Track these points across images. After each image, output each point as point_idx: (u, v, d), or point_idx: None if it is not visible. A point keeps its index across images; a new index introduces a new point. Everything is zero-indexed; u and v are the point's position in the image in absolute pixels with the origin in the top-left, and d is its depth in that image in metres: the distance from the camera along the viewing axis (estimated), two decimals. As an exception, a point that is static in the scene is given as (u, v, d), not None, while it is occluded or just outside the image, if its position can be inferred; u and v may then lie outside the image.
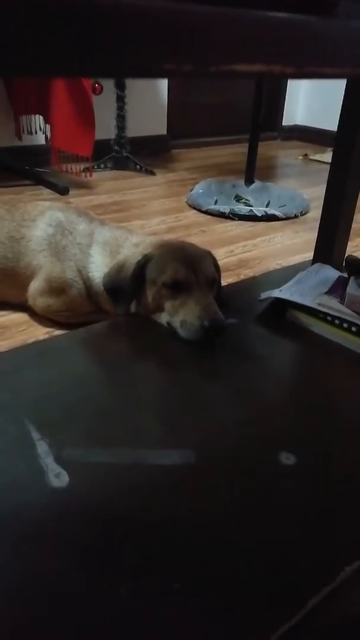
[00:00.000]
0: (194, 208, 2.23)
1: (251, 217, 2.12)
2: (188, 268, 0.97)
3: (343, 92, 1.11)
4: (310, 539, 0.57)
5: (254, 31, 0.24)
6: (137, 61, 0.21)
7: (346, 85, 1.11)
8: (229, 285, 1.26)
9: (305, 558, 0.54)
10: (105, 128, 2.69)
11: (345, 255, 1.24)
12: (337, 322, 0.97)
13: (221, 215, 2.14)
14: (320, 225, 1.25)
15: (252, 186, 2.37)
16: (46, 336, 1.19)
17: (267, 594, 0.51)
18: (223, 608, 0.49)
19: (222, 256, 1.71)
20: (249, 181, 2.37)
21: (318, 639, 0.49)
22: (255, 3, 0.23)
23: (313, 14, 0.25)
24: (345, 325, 0.96)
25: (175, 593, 0.50)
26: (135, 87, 2.91)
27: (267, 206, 2.19)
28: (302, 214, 2.20)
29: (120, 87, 2.76)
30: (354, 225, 1.26)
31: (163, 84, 3.23)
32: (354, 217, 1.24)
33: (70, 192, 2.33)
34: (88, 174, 2.47)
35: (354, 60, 0.27)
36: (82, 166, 2.42)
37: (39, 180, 2.38)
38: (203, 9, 0.22)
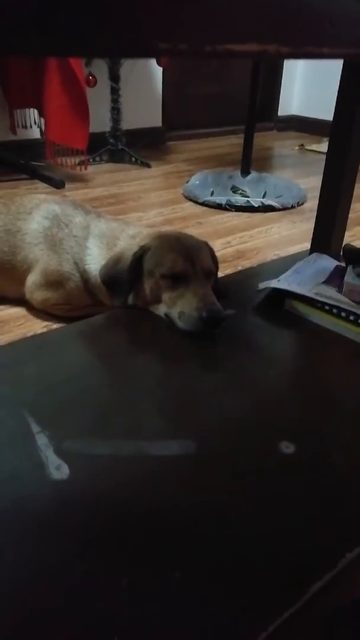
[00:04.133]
0: (191, 200, 2.23)
1: (248, 208, 2.12)
2: (186, 259, 0.97)
3: (338, 82, 1.10)
4: (311, 526, 0.57)
5: (250, 9, 0.23)
6: (133, 40, 0.21)
7: (342, 74, 1.10)
8: (227, 276, 1.26)
9: (306, 545, 0.55)
10: (100, 121, 2.67)
11: (343, 245, 1.23)
12: (335, 311, 0.97)
13: (218, 207, 2.13)
14: (317, 215, 1.24)
15: (249, 177, 2.36)
16: (44, 330, 1.19)
17: (269, 581, 0.51)
18: (225, 596, 0.49)
19: (219, 247, 1.71)
20: (245, 172, 2.36)
21: (320, 624, 0.50)
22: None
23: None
24: (343, 314, 0.96)
25: (177, 582, 0.50)
26: (130, 79, 2.89)
27: (263, 197, 2.19)
28: (298, 204, 2.20)
29: (115, 79, 2.74)
30: (351, 215, 1.26)
31: (157, 75, 3.21)
32: (351, 207, 1.24)
33: (66, 186, 2.32)
34: (83, 167, 2.46)
35: (352, 40, 0.27)
36: (77, 159, 2.41)
37: (35, 174, 2.37)
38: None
